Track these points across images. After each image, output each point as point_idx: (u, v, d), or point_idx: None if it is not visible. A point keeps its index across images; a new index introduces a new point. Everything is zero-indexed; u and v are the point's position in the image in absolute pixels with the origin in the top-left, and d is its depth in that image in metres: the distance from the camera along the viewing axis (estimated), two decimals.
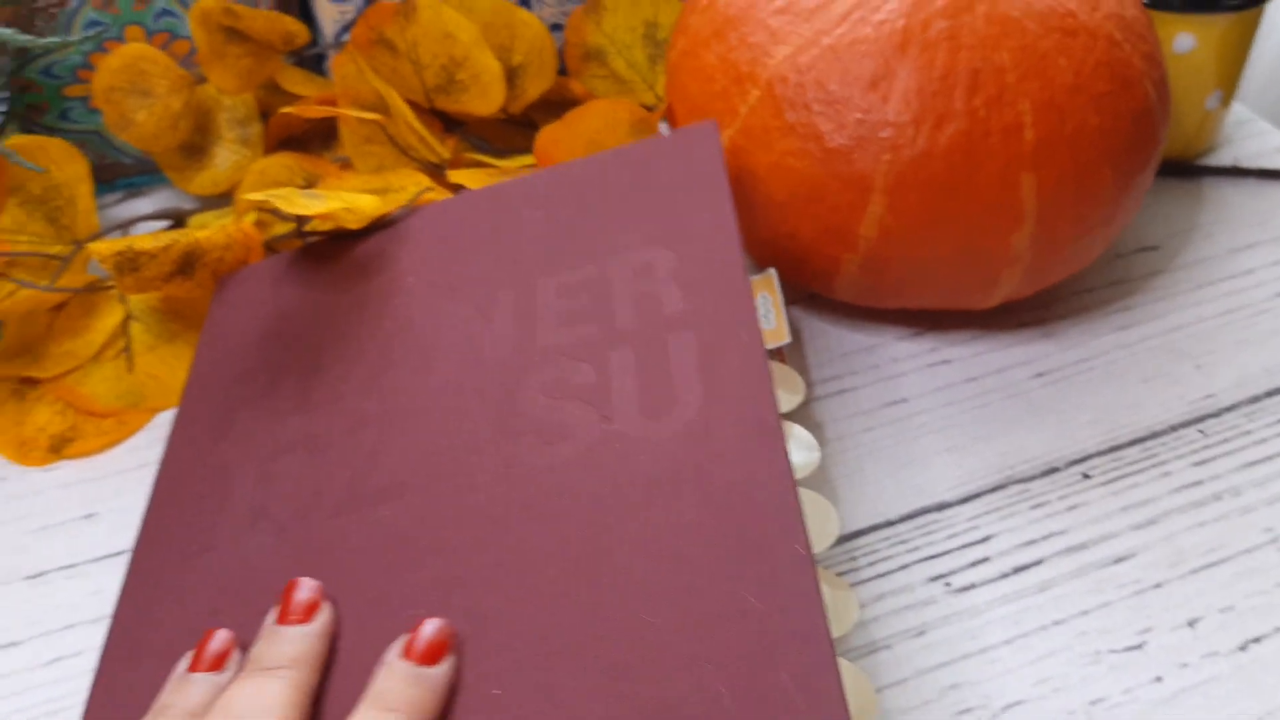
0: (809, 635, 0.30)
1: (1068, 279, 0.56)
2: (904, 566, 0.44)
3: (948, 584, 0.43)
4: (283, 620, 0.34)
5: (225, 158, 0.58)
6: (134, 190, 0.62)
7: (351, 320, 0.44)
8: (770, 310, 0.46)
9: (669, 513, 0.34)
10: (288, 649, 0.33)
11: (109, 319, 0.51)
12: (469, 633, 0.33)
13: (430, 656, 0.32)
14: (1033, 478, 0.47)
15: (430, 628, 0.33)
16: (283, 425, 0.41)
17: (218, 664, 0.33)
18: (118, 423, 0.49)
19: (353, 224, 0.48)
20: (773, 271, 0.49)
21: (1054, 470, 0.47)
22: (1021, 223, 0.46)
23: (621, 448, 0.35)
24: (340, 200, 0.47)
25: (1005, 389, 0.51)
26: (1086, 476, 0.47)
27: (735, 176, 0.49)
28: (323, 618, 0.34)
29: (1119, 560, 0.44)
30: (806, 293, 0.55)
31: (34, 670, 0.41)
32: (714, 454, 0.34)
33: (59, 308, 0.50)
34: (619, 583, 0.33)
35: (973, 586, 0.43)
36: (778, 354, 0.47)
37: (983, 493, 0.46)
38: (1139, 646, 0.41)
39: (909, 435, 0.49)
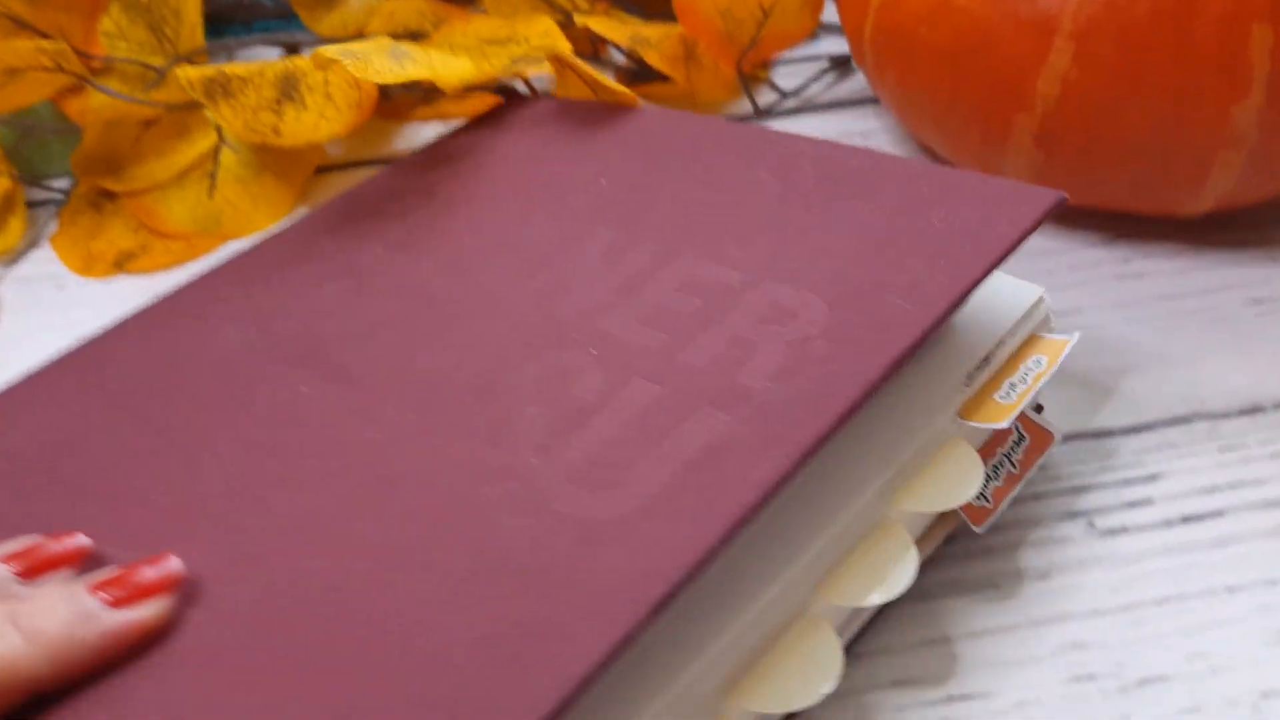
0: None
1: None
2: (1039, 496, 0.35)
3: (1091, 524, 0.34)
4: (102, 586, 0.25)
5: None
6: (269, 36, 0.59)
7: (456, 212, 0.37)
8: (1019, 388, 0.33)
9: (494, 593, 0.24)
10: (66, 622, 0.24)
11: (201, 143, 0.48)
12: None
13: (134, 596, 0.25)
14: (1228, 415, 0.37)
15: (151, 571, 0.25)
16: (320, 291, 0.35)
17: (38, 570, 0.26)
18: (187, 245, 0.46)
19: (448, 89, 0.42)
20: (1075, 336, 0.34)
21: (1258, 410, 0.37)
22: (1247, 90, 0.36)
23: (534, 506, 0.26)
24: (426, 67, 0.41)
25: (1209, 312, 0.41)
26: None
27: (890, 26, 0.40)
28: (148, 611, 0.25)
29: None
30: None
31: None
32: (612, 555, 0.24)
33: (150, 124, 0.47)
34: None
35: (1124, 530, 0.34)
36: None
37: (1158, 424, 0.37)
38: None
39: (1075, 350, 0.39)
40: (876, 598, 0.29)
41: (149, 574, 0.25)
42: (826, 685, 0.27)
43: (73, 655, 0.24)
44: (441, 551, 0.25)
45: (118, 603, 0.24)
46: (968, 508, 0.31)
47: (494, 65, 0.44)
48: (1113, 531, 0.34)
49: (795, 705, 0.27)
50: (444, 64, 0.41)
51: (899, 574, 0.29)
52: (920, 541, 0.32)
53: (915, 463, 0.31)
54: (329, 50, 0.39)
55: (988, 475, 0.32)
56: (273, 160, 0.48)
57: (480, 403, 0.29)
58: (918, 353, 0.32)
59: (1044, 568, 0.33)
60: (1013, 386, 0.32)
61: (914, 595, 0.32)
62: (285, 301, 0.34)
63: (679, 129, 0.39)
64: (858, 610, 0.30)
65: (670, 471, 0.26)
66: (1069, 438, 0.37)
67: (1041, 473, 0.36)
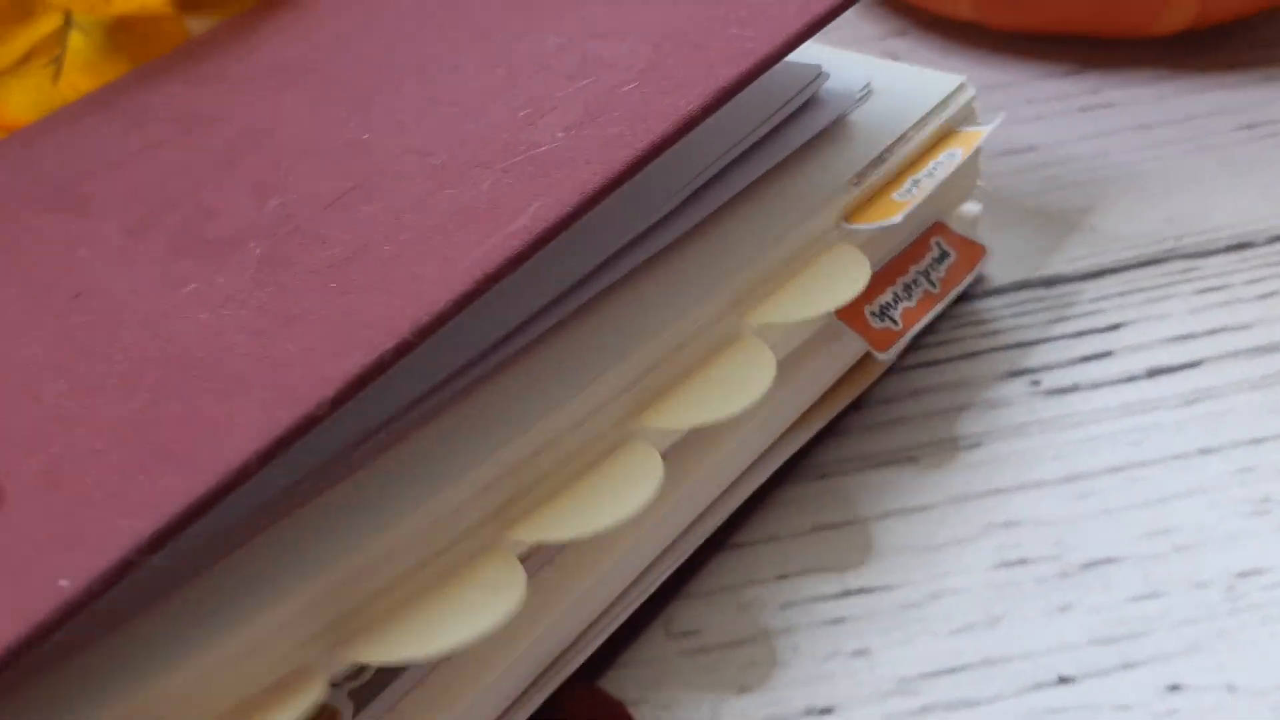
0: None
1: None
2: (973, 354, 0.29)
3: (1035, 382, 0.28)
4: None
5: None
6: None
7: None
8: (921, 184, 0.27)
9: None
10: None
11: (45, 24, 0.42)
12: None
13: None
14: (1210, 253, 0.31)
15: None
16: (93, 131, 0.31)
17: None
18: None
19: None
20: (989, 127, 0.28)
21: (1246, 246, 0.31)
22: None
23: (230, 301, 0.21)
24: None
25: (1193, 140, 0.34)
26: None
27: None
28: None
29: None
30: (926, 17, 0.40)
31: None
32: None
33: None
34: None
35: (1074, 389, 0.28)
36: None
37: (1124, 268, 0.30)
38: None
39: (1025, 191, 0.33)
40: (704, 416, 0.22)
41: None
42: (632, 504, 0.21)
43: None
44: (126, 349, 0.20)
45: None
46: (869, 330, 0.25)
47: None
48: (1061, 390, 0.28)
49: (589, 530, 0.21)
50: None
51: (739, 393, 0.22)
52: (816, 407, 0.27)
53: (787, 272, 0.25)
54: None
55: (897, 295, 0.26)
56: (127, 41, 0.42)
57: (210, 216, 0.24)
58: (805, 150, 0.26)
59: (974, 436, 0.27)
60: (915, 183, 0.26)
61: (810, 474, 0.27)
62: (55, 149, 0.30)
63: None
64: (702, 443, 0.24)
65: (408, 239, 0.20)
66: (1017, 287, 0.30)
67: (978, 328, 0.29)
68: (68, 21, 0.42)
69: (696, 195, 0.24)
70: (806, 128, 0.26)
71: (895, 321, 0.26)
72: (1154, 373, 0.28)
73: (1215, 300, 0.29)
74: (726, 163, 0.24)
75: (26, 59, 0.42)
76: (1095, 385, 0.28)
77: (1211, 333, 0.28)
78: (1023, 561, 0.24)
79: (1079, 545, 0.24)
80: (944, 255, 0.27)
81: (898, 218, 0.25)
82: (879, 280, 0.26)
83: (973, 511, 0.25)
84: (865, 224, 0.25)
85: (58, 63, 0.42)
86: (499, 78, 0.25)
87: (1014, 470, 0.26)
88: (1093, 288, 0.30)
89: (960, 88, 0.28)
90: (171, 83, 0.31)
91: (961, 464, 0.26)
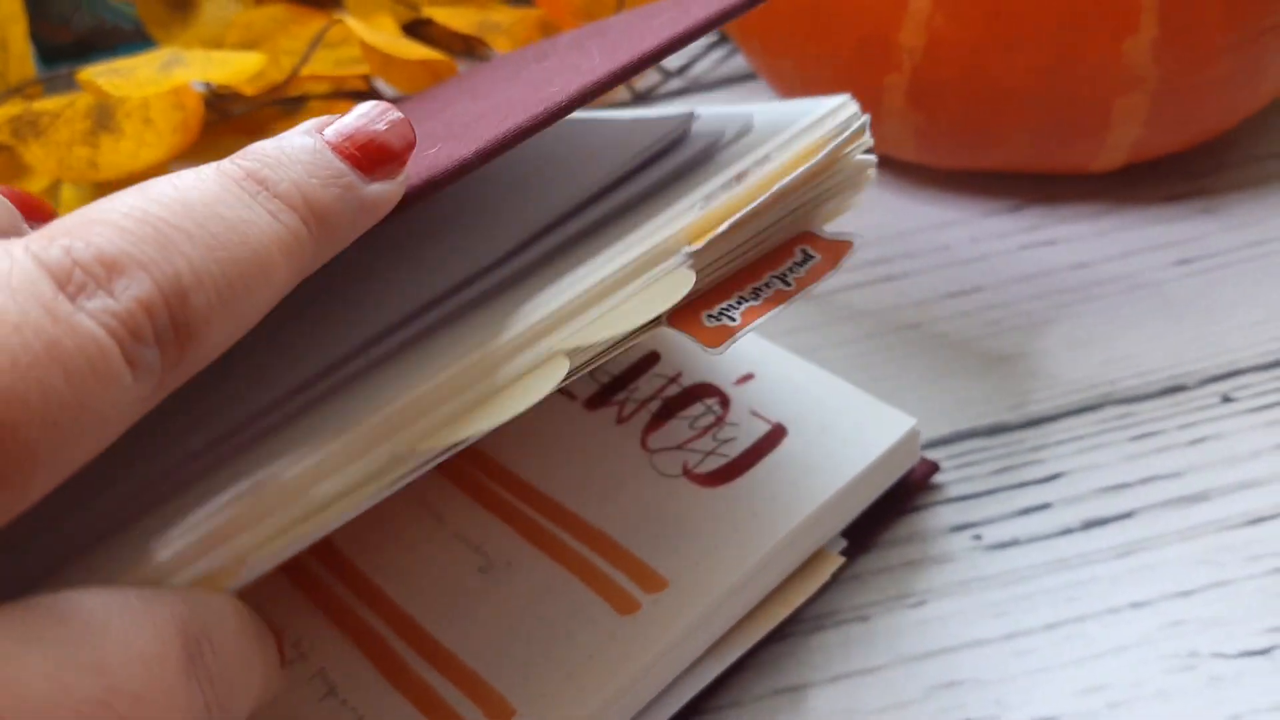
0: None
1: (1242, 135, 0.40)
2: (917, 509, 0.30)
3: (977, 537, 0.29)
4: (343, 151, 0.20)
5: (212, 11, 0.51)
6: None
7: None
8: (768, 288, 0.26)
9: None
10: (319, 191, 0.19)
11: (37, 181, 0.44)
12: None
13: (375, 159, 0.20)
14: (1144, 397, 0.32)
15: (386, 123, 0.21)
16: None
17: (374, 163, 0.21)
18: None
19: (247, 90, 0.41)
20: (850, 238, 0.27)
21: (1179, 389, 0.32)
22: (1135, 23, 0.32)
23: None
24: (198, 70, 0.38)
25: (1130, 279, 0.36)
26: (1228, 400, 0.32)
27: None
28: (396, 187, 0.21)
29: (1257, 521, 0.29)
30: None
31: None
32: None
33: None
34: None
35: (1014, 543, 0.29)
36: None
37: (1062, 415, 0.32)
38: (1266, 652, 0.26)
39: (969, 335, 0.35)
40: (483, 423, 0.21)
41: (394, 139, 0.21)
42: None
43: (339, 235, 0.20)
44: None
45: (370, 171, 0.20)
46: (701, 331, 0.24)
47: (289, 61, 0.41)
48: (1001, 545, 0.29)
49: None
50: (223, 63, 0.37)
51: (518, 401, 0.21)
52: (788, 585, 0.28)
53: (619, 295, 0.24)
54: (89, 71, 0.36)
55: (742, 298, 0.25)
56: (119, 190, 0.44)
57: None
58: (675, 185, 0.25)
59: (920, 594, 0.28)
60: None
61: (771, 635, 0.28)
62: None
63: (488, 65, 0.37)
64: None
65: None
66: (962, 437, 0.32)
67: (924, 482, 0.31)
68: (57, 178, 0.44)
69: (557, 227, 0.24)
70: (669, 163, 0.26)
71: (733, 319, 0.25)
72: (1089, 525, 0.29)
73: (1149, 447, 0.31)
74: (583, 198, 0.24)
75: None
76: (1034, 539, 0.29)
77: (1145, 481, 0.30)
78: None
79: (1018, 704, 0.26)
80: (807, 258, 0.26)
81: (722, 228, 0.24)
82: (726, 285, 0.25)
83: (919, 671, 0.27)
84: (699, 242, 0.24)
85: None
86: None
87: (956, 629, 0.28)
88: (1033, 435, 0.32)
89: (842, 104, 0.26)
90: None
91: (908, 622, 0.28)
